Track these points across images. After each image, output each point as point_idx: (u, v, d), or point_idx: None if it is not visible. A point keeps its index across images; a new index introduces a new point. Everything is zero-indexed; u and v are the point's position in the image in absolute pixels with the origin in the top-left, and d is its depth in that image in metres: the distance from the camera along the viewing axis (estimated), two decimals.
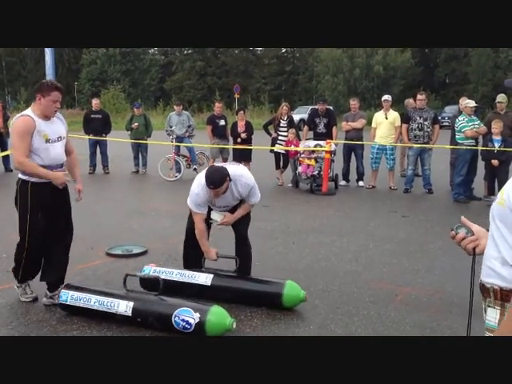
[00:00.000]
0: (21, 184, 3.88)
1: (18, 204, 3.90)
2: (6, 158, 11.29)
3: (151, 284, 3.91)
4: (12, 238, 4.23)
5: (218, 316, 3.42)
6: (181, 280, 4.03)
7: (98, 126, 11.52)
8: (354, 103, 9.77)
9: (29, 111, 3.83)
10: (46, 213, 3.89)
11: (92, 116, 11.64)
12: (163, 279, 3.75)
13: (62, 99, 3.89)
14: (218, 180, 3.87)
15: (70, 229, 4.20)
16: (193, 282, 4.01)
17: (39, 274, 4.15)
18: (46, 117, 3.84)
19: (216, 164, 4.20)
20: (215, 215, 4.17)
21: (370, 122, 9.99)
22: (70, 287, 3.83)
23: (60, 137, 3.94)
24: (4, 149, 11.08)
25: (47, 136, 3.80)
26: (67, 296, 3.74)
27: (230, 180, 3.96)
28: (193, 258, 4.28)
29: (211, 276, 4.03)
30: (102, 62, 46.89)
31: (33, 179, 3.82)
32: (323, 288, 4.36)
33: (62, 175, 3.85)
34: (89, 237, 5.94)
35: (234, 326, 3.42)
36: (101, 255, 5.27)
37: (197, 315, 3.40)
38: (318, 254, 5.32)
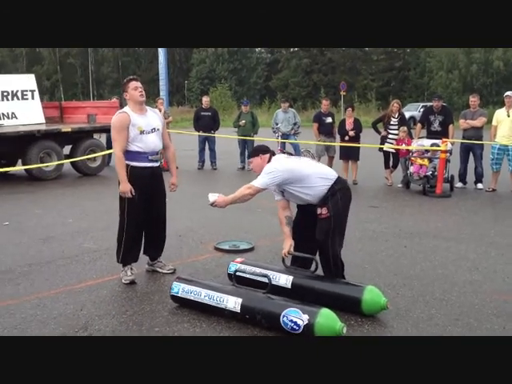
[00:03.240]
0: None
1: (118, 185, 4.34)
2: None
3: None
4: None
5: (328, 319, 3.29)
6: (258, 279, 3.90)
7: (207, 122, 11.83)
8: (474, 100, 9.10)
9: (126, 108, 4.35)
10: (143, 194, 4.31)
11: (202, 113, 11.96)
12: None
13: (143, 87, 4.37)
14: (252, 151, 4.23)
15: (164, 211, 4.62)
16: (274, 283, 3.85)
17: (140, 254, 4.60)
18: (140, 110, 4.30)
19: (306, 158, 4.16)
20: (210, 195, 4.06)
21: (490, 120, 9.28)
22: (181, 280, 3.89)
23: (154, 128, 4.35)
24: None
25: (141, 128, 4.25)
26: (179, 288, 3.81)
27: (269, 160, 3.99)
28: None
29: (291, 278, 3.93)
30: (211, 61, 48.42)
31: (132, 163, 4.28)
32: (440, 297, 4.06)
33: (128, 190, 4.21)
34: (198, 231, 6.07)
35: (345, 331, 3.27)
36: (209, 249, 5.34)
37: (305, 317, 3.29)
38: (434, 260, 4.99)
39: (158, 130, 4.38)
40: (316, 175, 3.92)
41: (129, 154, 4.25)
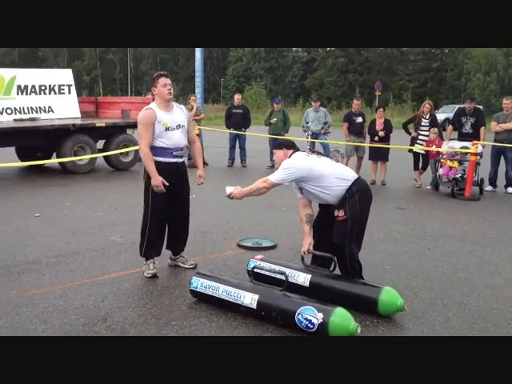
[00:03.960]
0: None
1: (144, 179, 4.44)
2: None
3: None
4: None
5: (342, 318, 3.30)
6: (277, 277, 3.93)
7: (238, 120, 11.90)
8: (507, 102, 8.90)
9: (152, 104, 4.37)
10: (167, 189, 4.33)
11: (233, 111, 12.05)
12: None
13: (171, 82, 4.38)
14: (278, 143, 4.29)
15: (188, 206, 4.69)
16: (292, 281, 3.93)
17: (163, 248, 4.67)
18: (166, 107, 4.33)
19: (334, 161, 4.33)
20: (227, 188, 4.20)
21: None
22: (200, 275, 3.97)
23: (179, 125, 4.40)
24: None
25: (166, 124, 4.30)
26: (197, 283, 3.88)
27: (289, 156, 4.03)
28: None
29: (309, 276, 3.96)
30: (248, 60, 48.58)
31: (157, 158, 4.32)
32: (459, 300, 4.02)
33: (160, 183, 4.25)
34: (222, 227, 6.15)
35: (359, 330, 3.27)
36: (232, 246, 5.41)
37: (320, 315, 3.31)
38: (456, 264, 4.93)
39: (182, 126, 4.43)
40: (333, 175, 3.93)
41: (154, 150, 4.33)
